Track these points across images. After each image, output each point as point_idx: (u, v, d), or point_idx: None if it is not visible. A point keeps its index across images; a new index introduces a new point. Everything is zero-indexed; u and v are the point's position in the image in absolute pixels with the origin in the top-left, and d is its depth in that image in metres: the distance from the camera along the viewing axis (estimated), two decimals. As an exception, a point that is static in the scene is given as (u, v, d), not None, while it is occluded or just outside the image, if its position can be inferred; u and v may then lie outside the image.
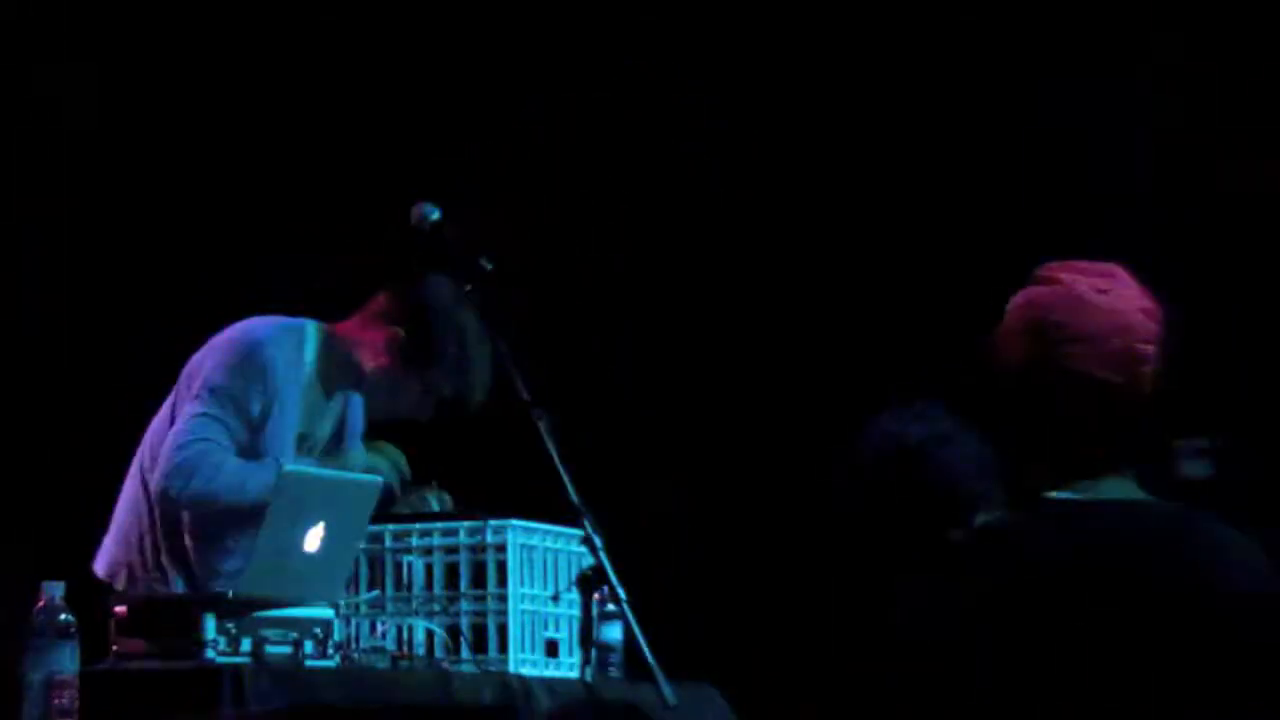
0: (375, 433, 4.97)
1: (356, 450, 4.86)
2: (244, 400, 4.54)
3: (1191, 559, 2.93)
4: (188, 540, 4.58)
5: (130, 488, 4.67)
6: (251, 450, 4.55)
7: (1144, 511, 2.96)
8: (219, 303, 4.94)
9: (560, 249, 7.12)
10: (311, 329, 4.67)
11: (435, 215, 4.36)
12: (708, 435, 6.91)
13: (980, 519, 3.57)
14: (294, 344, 4.63)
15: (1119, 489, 2.97)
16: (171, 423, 4.63)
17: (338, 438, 4.86)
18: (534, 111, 7.15)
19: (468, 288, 4.45)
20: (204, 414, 4.53)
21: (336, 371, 4.69)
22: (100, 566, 4.65)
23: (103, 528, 4.81)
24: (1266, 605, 2.96)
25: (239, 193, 6.88)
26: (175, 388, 4.67)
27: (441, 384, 4.64)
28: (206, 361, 4.59)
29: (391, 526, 4.68)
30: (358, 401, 4.85)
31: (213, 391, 4.53)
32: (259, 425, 4.55)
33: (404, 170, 6.86)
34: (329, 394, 4.71)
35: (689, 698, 4.33)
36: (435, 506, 4.80)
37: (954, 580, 3.01)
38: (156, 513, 4.60)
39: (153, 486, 4.57)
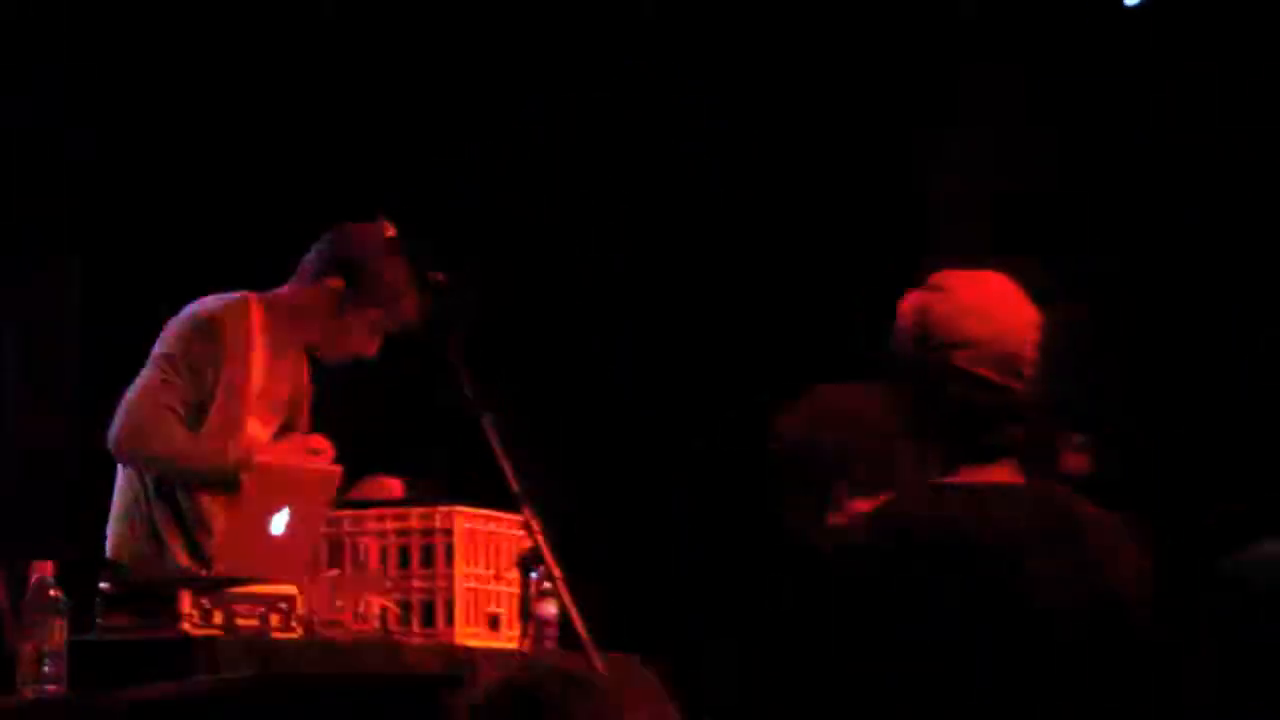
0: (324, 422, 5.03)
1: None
2: (198, 366, 4.72)
3: (1068, 537, 3.12)
4: (182, 502, 4.75)
5: (124, 471, 4.87)
6: (207, 411, 4.71)
7: (1026, 495, 3.14)
8: (199, 292, 5.05)
9: (560, 249, 6.99)
10: (254, 298, 4.84)
11: (388, 232, 4.59)
12: (654, 428, 6.78)
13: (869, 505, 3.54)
14: (240, 313, 4.80)
15: (1004, 475, 3.14)
16: None
17: (296, 402, 5.01)
18: (534, 111, 7.00)
19: (423, 292, 4.55)
20: (160, 380, 4.70)
21: (283, 333, 4.86)
22: (108, 548, 4.83)
23: (90, 511, 4.93)
24: (1139, 580, 3.13)
25: (235, 194, 6.77)
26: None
27: (379, 315, 4.80)
28: (164, 335, 4.76)
29: (350, 512, 4.80)
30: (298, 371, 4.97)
31: (168, 358, 4.71)
32: (213, 389, 4.71)
33: (404, 171, 6.82)
34: (280, 355, 4.86)
35: (618, 667, 4.29)
36: None
37: (852, 562, 3.16)
38: (150, 487, 4.77)
39: (108, 440, 4.70)
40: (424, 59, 6.98)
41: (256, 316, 4.80)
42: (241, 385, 4.80)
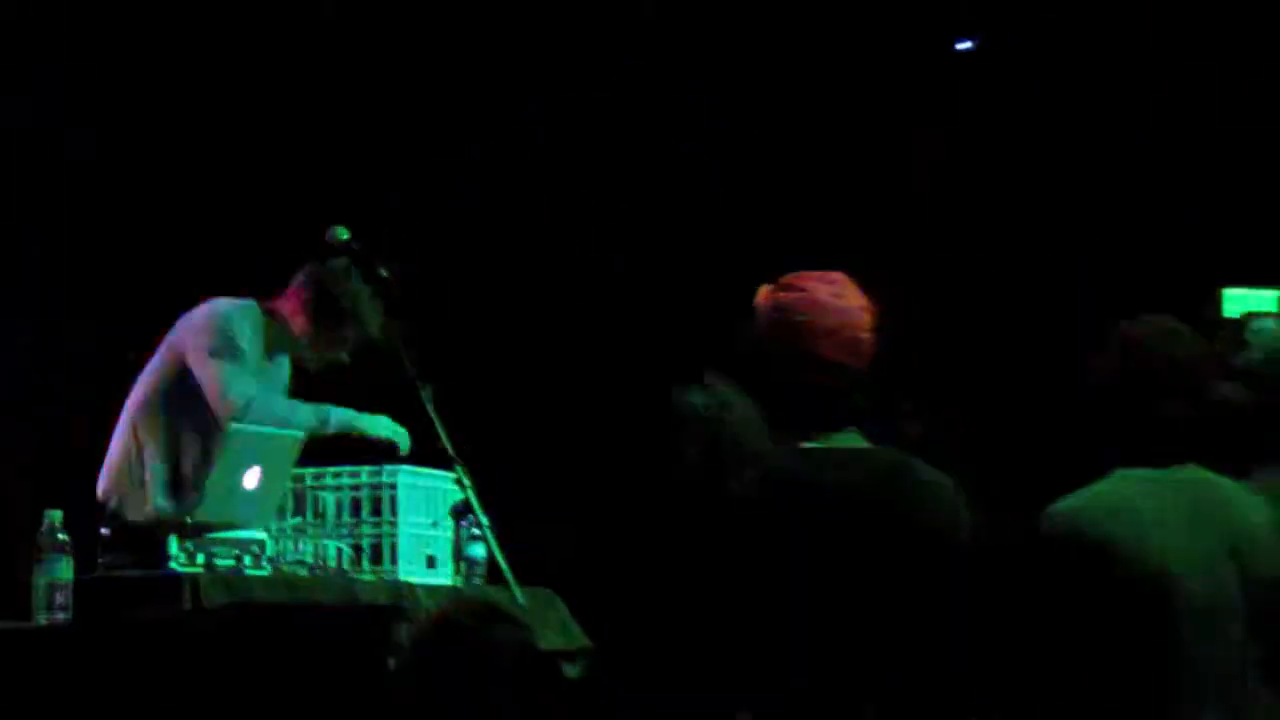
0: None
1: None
2: (239, 348, 5.05)
3: (907, 499, 3.35)
4: (169, 461, 5.06)
5: (121, 429, 5.15)
6: None
7: (869, 455, 3.39)
8: (193, 287, 5.35)
9: (557, 247, 6.87)
10: (256, 307, 5.17)
11: (344, 235, 4.92)
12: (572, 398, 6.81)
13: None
14: (249, 319, 5.14)
15: (851, 440, 3.39)
16: (175, 377, 5.07)
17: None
18: (534, 111, 6.81)
19: (371, 288, 4.92)
20: (230, 367, 5.01)
21: (275, 338, 5.18)
22: (99, 490, 5.12)
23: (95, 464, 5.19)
24: (960, 527, 3.37)
25: (232, 191, 6.73)
26: (158, 352, 5.13)
27: (345, 330, 5.10)
28: (193, 334, 5.09)
29: (311, 469, 5.07)
30: (282, 371, 5.26)
31: (224, 348, 5.04)
32: None
33: (406, 170, 6.79)
34: (270, 356, 5.19)
35: (534, 599, 4.80)
36: None
37: (740, 510, 3.33)
38: (145, 451, 5.08)
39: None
40: (422, 59, 6.83)
41: (259, 322, 5.16)
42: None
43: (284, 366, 5.28)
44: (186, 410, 5.11)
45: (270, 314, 5.20)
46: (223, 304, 5.16)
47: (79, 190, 6.60)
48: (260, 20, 6.71)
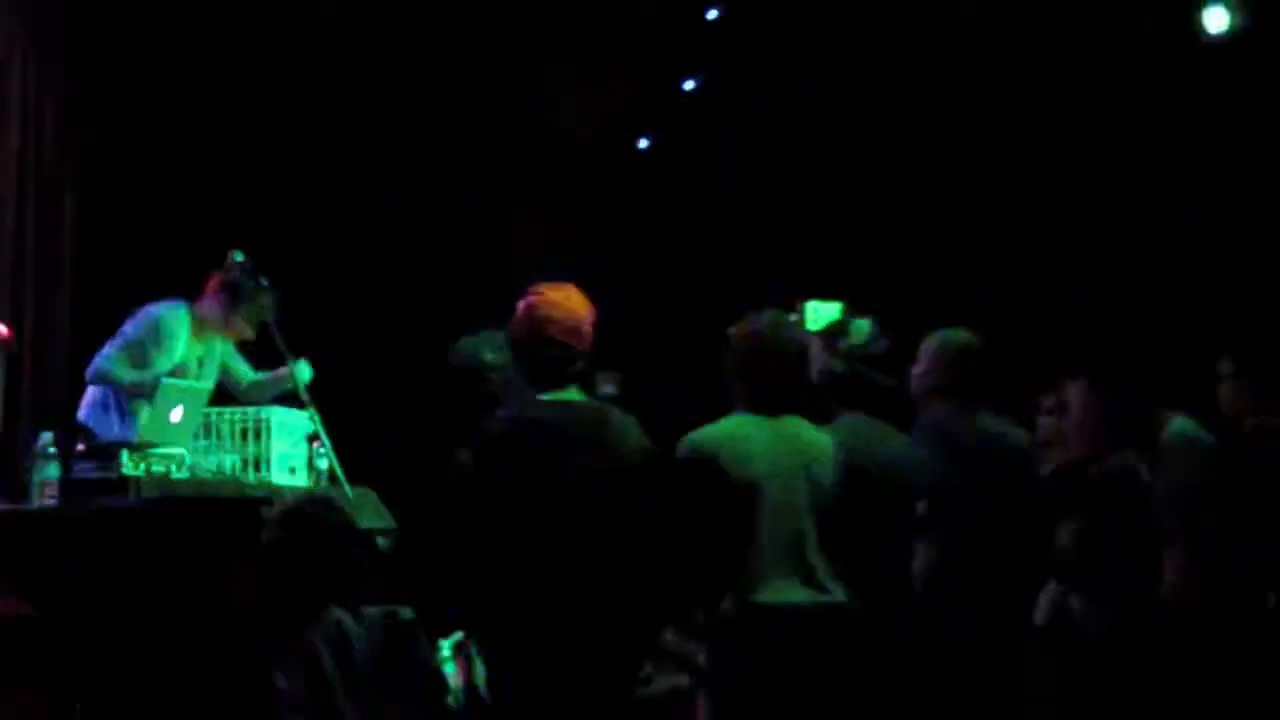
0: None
1: (243, 369, 6.34)
2: (140, 349, 6.09)
3: (608, 434, 4.10)
4: (128, 406, 6.14)
5: None
6: (147, 370, 6.02)
7: (583, 406, 4.16)
8: (188, 281, 6.05)
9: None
10: (187, 306, 6.21)
11: (239, 257, 6.01)
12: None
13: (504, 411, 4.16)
14: (178, 316, 6.18)
15: (571, 395, 4.16)
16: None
17: (207, 364, 6.29)
18: (537, 111, 6.94)
19: (256, 285, 5.89)
20: (112, 354, 6.12)
21: (200, 326, 6.23)
22: (80, 414, 6.22)
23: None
24: (644, 454, 4.11)
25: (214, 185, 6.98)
26: (126, 322, 6.14)
27: (250, 316, 6.10)
28: (132, 321, 6.14)
29: (214, 409, 6.04)
30: (220, 348, 6.20)
31: (125, 340, 6.10)
32: (152, 360, 6.09)
33: (404, 166, 7.10)
34: (199, 339, 6.24)
35: (359, 496, 5.61)
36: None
37: (487, 441, 4.01)
38: (112, 393, 6.14)
39: (86, 374, 5.98)
40: (422, 59, 6.99)
41: (188, 316, 6.21)
42: (170, 359, 6.16)
43: (214, 342, 6.29)
44: (140, 369, 6.11)
45: (198, 308, 6.18)
46: (161, 308, 6.15)
47: (79, 190, 6.82)
48: (260, 21, 6.82)
